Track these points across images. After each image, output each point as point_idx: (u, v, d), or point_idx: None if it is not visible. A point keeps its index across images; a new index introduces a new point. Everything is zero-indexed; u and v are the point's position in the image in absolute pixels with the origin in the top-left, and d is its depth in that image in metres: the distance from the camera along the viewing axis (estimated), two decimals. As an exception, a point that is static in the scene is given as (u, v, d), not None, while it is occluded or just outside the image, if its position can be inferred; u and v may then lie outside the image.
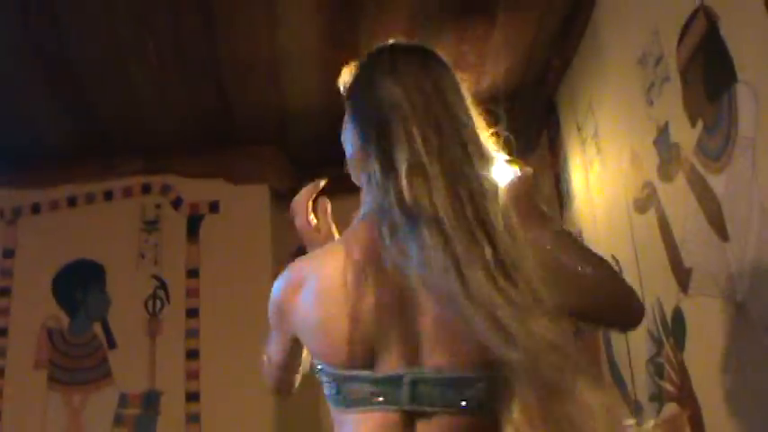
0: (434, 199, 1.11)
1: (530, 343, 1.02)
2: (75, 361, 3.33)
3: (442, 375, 1.11)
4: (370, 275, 1.15)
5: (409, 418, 1.12)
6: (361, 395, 1.13)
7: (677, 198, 2.01)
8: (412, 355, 1.12)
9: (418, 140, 1.15)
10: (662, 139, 2.10)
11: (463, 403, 1.10)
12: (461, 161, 1.15)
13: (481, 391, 1.10)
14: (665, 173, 2.09)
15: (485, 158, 1.18)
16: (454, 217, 1.09)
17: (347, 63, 1.35)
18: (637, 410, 2.45)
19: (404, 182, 1.12)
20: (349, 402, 1.15)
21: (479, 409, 1.11)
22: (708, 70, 1.79)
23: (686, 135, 1.92)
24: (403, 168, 1.13)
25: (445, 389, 1.11)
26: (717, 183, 1.76)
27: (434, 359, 1.11)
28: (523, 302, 1.05)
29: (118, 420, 3.24)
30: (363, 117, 1.25)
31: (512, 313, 1.03)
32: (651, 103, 2.15)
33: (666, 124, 2.06)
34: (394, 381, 1.12)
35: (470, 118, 1.22)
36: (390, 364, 1.12)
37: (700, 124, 1.84)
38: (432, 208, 1.10)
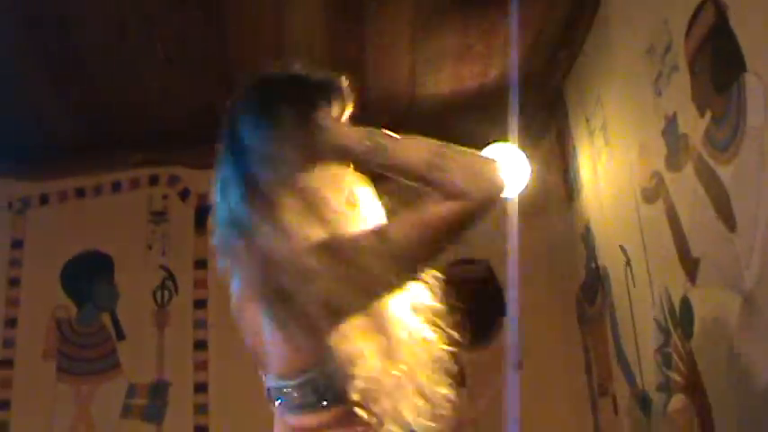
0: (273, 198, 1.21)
1: (334, 353, 1.11)
2: (84, 351, 3.34)
3: (283, 382, 1.20)
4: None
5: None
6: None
7: (685, 189, 2.01)
8: (268, 364, 1.24)
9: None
10: (670, 130, 2.09)
11: (309, 401, 1.17)
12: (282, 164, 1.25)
13: (318, 390, 1.16)
14: (674, 163, 2.09)
15: (313, 157, 1.26)
16: (289, 220, 1.18)
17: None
18: (644, 401, 2.45)
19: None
20: None
21: (325, 405, 1.17)
22: (716, 60, 1.79)
23: (694, 126, 1.91)
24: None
25: (291, 392, 1.19)
26: (725, 173, 1.76)
27: (275, 368, 1.22)
28: (351, 280, 1.12)
29: (126, 411, 3.25)
30: None
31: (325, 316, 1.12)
32: (659, 93, 2.15)
33: (675, 115, 2.05)
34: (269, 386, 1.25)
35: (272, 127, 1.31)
36: (267, 371, 1.25)
37: (708, 115, 1.84)
38: (268, 212, 1.20)
